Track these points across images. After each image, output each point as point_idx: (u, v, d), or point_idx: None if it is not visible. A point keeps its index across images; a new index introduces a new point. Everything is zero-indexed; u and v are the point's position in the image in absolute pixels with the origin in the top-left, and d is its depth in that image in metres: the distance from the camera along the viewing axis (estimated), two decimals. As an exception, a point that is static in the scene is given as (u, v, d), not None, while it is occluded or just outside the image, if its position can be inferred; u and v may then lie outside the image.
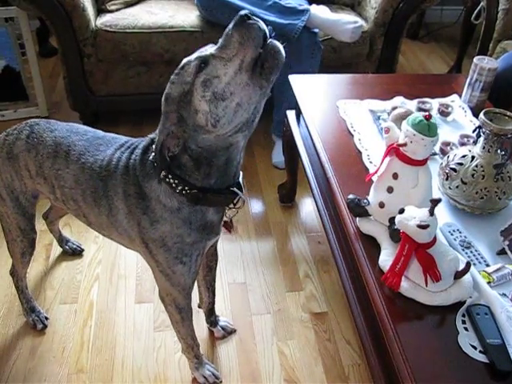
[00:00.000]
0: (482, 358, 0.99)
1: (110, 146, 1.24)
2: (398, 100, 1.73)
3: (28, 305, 1.66)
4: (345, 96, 1.78)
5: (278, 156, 2.35)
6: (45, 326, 1.66)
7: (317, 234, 2.07)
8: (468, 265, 1.07)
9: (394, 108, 1.60)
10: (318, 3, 2.32)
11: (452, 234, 1.24)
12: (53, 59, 3.16)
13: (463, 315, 1.06)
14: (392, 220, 1.13)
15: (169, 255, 1.18)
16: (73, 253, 1.93)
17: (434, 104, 1.70)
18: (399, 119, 1.48)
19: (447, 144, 1.50)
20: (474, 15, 2.81)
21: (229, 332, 1.67)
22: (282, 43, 0.98)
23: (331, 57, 2.41)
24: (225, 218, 1.25)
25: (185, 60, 1.02)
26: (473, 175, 1.27)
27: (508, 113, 1.28)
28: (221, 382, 1.53)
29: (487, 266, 1.17)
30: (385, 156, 1.17)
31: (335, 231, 1.47)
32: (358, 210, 1.25)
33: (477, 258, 1.19)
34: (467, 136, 1.53)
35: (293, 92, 1.81)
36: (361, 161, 1.49)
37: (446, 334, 1.03)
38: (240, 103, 0.97)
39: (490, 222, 1.30)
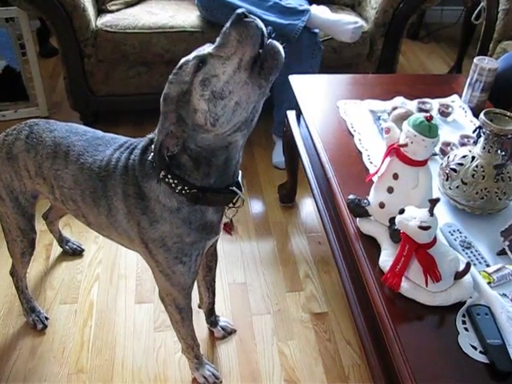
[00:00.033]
0: (482, 358, 0.99)
1: (109, 147, 1.24)
2: (399, 100, 1.73)
3: (28, 305, 1.66)
4: (345, 96, 1.78)
5: (278, 156, 2.35)
6: (45, 326, 1.66)
7: (317, 235, 2.07)
8: (468, 265, 1.07)
9: (395, 108, 1.60)
10: (318, 3, 2.32)
11: (452, 235, 1.24)
12: (53, 59, 3.16)
13: (463, 315, 1.06)
14: (392, 220, 1.13)
15: (168, 255, 1.18)
16: (73, 253, 1.93)
17: (435, 104, 1.70)
18: (399, 119, 1.48)
19: (447, 144, 1.50)
20: (474, 15, 2.81)
21: (229, 332, 1.67)
22: (282, 43, 0.98)
23: (331, 57, 2.41)
24: (225, 219, 1.25)
25: (183, 60, 1.02)
26: (473, 175, 1.27)
27: (508, 113, 1.28)
28: (221, 382, 1.53)
29: (487, 266, 1.17)
30: (385, 156, 1.17)
31: (335, 231, 1.47)
32: (359, 210, 1.25)
33: (477, 259, 1.19)
34: (467, 136, 1.53)
35: (293, 92, 1.81)
36: (361, 161, 1.49)
37: (447, 335, 1.03)
38: (239, 102, 0.97)
39: (491, 222, 1.30)
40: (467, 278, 1.09)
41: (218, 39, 0.99)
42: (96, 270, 1.88)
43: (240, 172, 1.17)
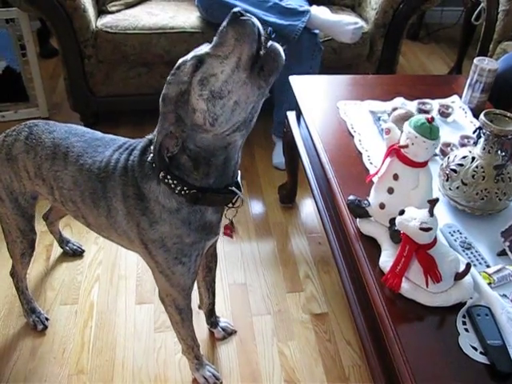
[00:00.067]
0: (482, 359, 0.99)
1: (109, 148, 1.24)
2: (399, 101, 1.73)
3: (28, 306, 1.66)
4: (345, 97, 1.78)
5: (278, 157, 2.35)
6: (45, 327, 1.67)
7: (317, 235, 2.07)
8: (468, 266, 1.07)
9: (395, 109, 1.60)
10: (318, 4, 2.32)
11: (452, 235, 1.24)
12: (53, 60, 3.16)
13: (464, 316, 1.06)
14: (392, 221, 1.13)
15: (168, 256, 1.18)
16: (73, 254, 1.93)
17: (435, 105, 1.70)
18: (400, 120, 1.48)
19: (447, 145, 1.50)
20: (474, 16, 2.81)
21: (229, 333, 1.67)
22: (282, 45, 0.98)
23: (331, 58, 2.41)
24: (226, 221, 1.25)
25: (180, 60, 1.02)
26: (473, 176, 1.27)
27: (508, 114, 1.28)
28: (221, 382, 1.53)
29: (488, 266, 1.17)
30: (385, 157, 1.17)
31: (335, 232, 1.47)
32: (359, 210, 1.25)
33: (477, 259, 1.19)
34: (467, 137, 1.53)
35: (293, 93, 1.81)
36: (361, 162, 1.49)
37: (447, 335, 1.03)
38: (238, 102, 0.97)
39: (491, 222, 1.30)
40: (467, 278, 1.08)
41: (215, 38, 0.98)
42: (96, 271, 1.88)
43: (239, 172, 1.17)
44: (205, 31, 2.31)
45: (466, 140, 1.52)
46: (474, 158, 1.28)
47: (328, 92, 1.83)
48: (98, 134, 1.31)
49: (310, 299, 1.80)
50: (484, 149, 1.27)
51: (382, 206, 1.20)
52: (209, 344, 1.65)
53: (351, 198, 1.27)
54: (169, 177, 1.09)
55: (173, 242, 1.16)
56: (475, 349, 1.00)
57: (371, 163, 1.47)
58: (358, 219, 1.27)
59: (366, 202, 1.24)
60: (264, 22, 2.17)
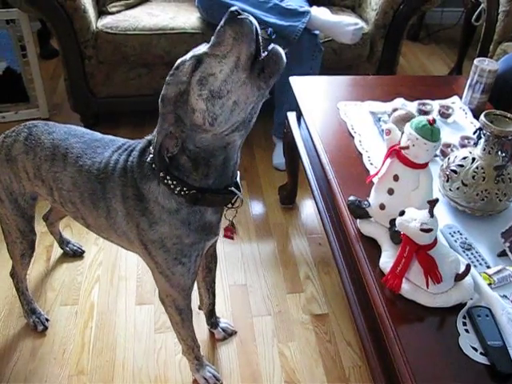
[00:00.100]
0: (482, 359, 0.99)
1: (108, 149, 1.24)
2: (399, 102, 1.73)
3: (28, 306, 1.66)
4: (345, 98, 1.78)
5: (278, 158, 2.35)
6: (45, 328, 1.67)
7: (317, 236, 2.07)
8: (468, 267, 1.07)
9: (395, 110, 1.60)
10: (318, 5, 2.32)
11: (453, 236, 1.24)
12: (54, 61, 3.16)
13: (464, 317, 1.06)
14: (393, 222, 1.13)
15: (168, 256, 1.18)
16: (73, 254, 1.93)
17: (435, 106, 1.70)
18: (400, 121, 1.48)
19: (448, 146, 1.50)
20: (474, 17, 2.81)
21: (229, 334, 1.67)
22: (282, 46, 0.98)
23: (332, 58, 2.41)
24: (225, 222, 1.25)
25: (179, 60, 1.02)
26: (473, 177, 1.27)
27: (508, 114, 1.28)
28: (221, 383, 1.53)
29: (488, 267, 1.17)
30: (386, 158, 1.17)
31: (336, 233, 1.47)
32: (359, 211, 1.25)
33: (477, 260, 1.19)
34: (468, 138, 1.53)
35: (293, 94, 1.81)
36: (361, 162, 1.49)
37: (447, 336, 1.03)
38: (237, 102, 0.97)
39: (491, 223, 1.30)
40: (468, 279, 1.09)
41: (212, 38, 0.98)
42: (96, 272, 1.88)
43: (238, 173, 1.17)
44: (205, 32, 2.31)
45: (466, 141, 1.52)
46: (474, 159, 1.28)
47: (328, 93, 1.83)
48: (98, 134, 1.31)
49: (311, 300, 1.80)
50: (484, 150, 1.27)
51: (382, 207, 1.20)
52: (209, 345, 1.65)
53: (351, 198, 1.27)
54: (168, 177, 1.09)
55: (172, 243, 1.16)
56: (475, 349, 1.00)
57: (371, 164, 1.47)
58: (358, 220, 1.27)
59: (366, 202, 1.24)
60: (264, 23, 2.20)
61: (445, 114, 1.67)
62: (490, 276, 1.13)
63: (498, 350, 0.99)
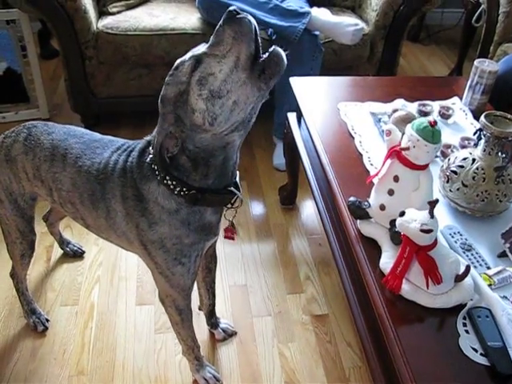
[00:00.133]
0: (482, 360, 0.99)
1: (107, 149, 1.24)
2: (399, 102, 1.73)
3: (29, 307, 1.66)
4: (346, 98, 1.78)
5: (278, 158, 2.35)
6: (45, 328, 1.67)
7: (318, 236, 2.07)
8: (467, 268, 1.07)
9: (395, 110, 1.60)
10: (318, 6, 2.32)
11: (453, 237, 1.24)
12: (54, 61, 3.16)
13: (464, 318, 1.06)
14: (393, 222, 1.13)
15: (168, 256, 1.18)
16: (74, 255, 1.93)
17: (435, 106, 1.70)
18: (400, 122, 1.48)
19: (448, 146, 1.50)
20: (474, 18, 2.81)
21: (229, 334, 1.67)
22: (284, 49, 0.98)
23: (332, 59, 2.41)
24: (226, 223, 1.25)
25: (178, 60, 1.02)
26: (474, 178, 1.27)
27: (509, 115, 1.28)
28: (221, 383, 1.53)
29: (488, 268, 1.17)
30: (386, 158, 1.17)
31: (336, 233, 1.47)
32: (359, 212, 1.25)
33: (477, 261, 1.19)
34: (468, 139, 1.53)
35: (294, 94, 1.81)
36: (361, 163, 1.49)
37: (447, 337, 1.03)
38: (237, 101, 0.97)
39: (491, 224, 1.30)
40: (468, 280, 1.09)
41: (211, 38, 0.98)
42: (97, 272, 1.88)
43: (237, 173, 1.17)
44: (205, 32, 2.31)
45: (466, 142, 1.52)
46: (474, 160, 1.28)
47: (328, 93, 1.83)
48: (97, 135, 1.31)
49: (311, 300, 1.80)
50: (484, 150, 1.28)
51: (382, 208, 1.20)
52: (209, 345, 1.65)
53: (352, 199, 1.27)
54: (168, 178, 1.09)
55: (172, 243, 1.16)
56: (475, 350, 1.00)
57: (372, 165, 1.47)
58: (358, 220, 1.27)
59: (366, 203, 1.24)
60: (265, 24, 2.20)
61: (445, 115, 1.67)
62: (490, 277, 1.13)
63: (498, 350, 0.99)
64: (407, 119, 1.46)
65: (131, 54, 2.31)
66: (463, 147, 1.49)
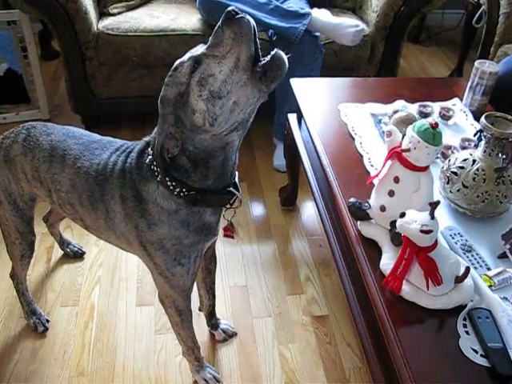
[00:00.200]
0: (483, 361, 0.99)
1: (106, 150, 1.24)
2: (400, 103, 1.73)
3: (29, 307, 1.66)
4: (346, 99, 1.78)
5: (279, 159, 2.35)
6: (46, 329, 1.67)
7: (318, 238, 2.07)
8: (467, 269, 1.07)
9: (396, 111, 1.60)
10: (319, 7, 2.32)
11: (453, 238, 1.24)
12: (55, 62, 3.16)
13: (464, 319, 1.06)
14: (393, 223, 1.13)
15: (167, 257, 1.18)
16: (74, 255, 1.93)
17: (436, 107, 1.70)
18: (400, 123, 1.48)
19: (448, 147, 1.50)
20: (475, 19, 2.82)
21: (230, 335, 1.67)
22: (286, 52, 0.98)
23: (332, 60, 2.41)
24: (225, 222, 1.25)
25: (177, 62, 1.02)
26: (474, 179, 1.27)
27: (509, 117, 1.28)
28: (221, 384, 1.53)
29: (488, 269, 1.17)
30: (386, 160, 1.17)
31: (336, 234, 1.47)
32: (359, 213, 1.25)
33: (478, 262, 1.19)
34: (468, 140, 1.53)
35: (294, 95, 1.81)
36: (362, 164, 1.49)
37: (447, 338, 1.03)
38: (237, 102, 0.97)
39: (491, 225, 1.30)
40: (468, 281, 1.09)
41: (210, 38, 0.98)
42: (97, 273, 1.88)
43: (237, 173, 1.18)
44: (206, 33, 2.32)
45: (466, 143, 1.52)
46: (474, 161, 1.28)
47: (329, 94, 1.83)
48: (96, 136, 1.31)
49: (311, 301, 1.80)
50: (485, 151, 1.28)
51: (382, 209, 1.20)
52: (209, 346, 1.65)
53: (352, 200, 1.27)
54: (168, 178, 1.09)
55: (171, 244, 1.17)
56: (476, 351, 1.00)
57: (372, 166, 1.47)
58: (358, 222, 1.27)
59: (366, 204, 1.24)
60: (265, 25, 2.20)
61: (445, 116, 1.67)
62: (490, 278, 1.13)
63: (498, 351, 0.99)
64: (408, 120, 1.46)
65: (132, 54, 2.31)
66: (463, 148, 1.49)
